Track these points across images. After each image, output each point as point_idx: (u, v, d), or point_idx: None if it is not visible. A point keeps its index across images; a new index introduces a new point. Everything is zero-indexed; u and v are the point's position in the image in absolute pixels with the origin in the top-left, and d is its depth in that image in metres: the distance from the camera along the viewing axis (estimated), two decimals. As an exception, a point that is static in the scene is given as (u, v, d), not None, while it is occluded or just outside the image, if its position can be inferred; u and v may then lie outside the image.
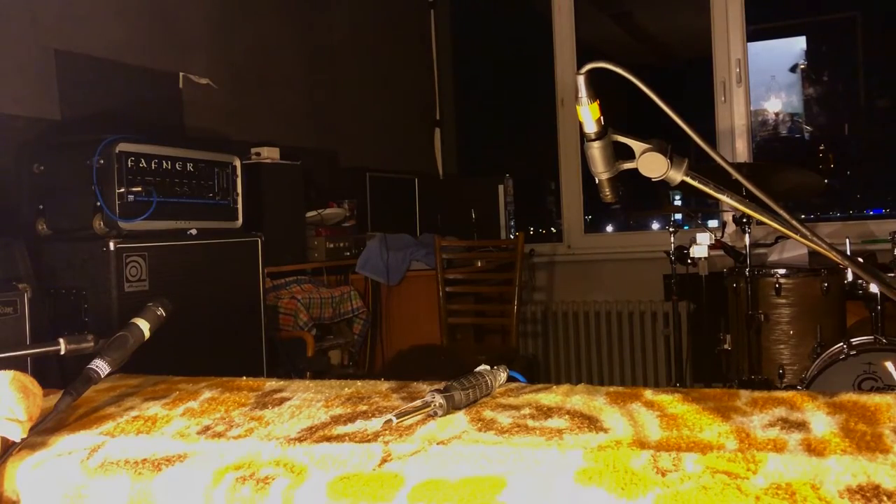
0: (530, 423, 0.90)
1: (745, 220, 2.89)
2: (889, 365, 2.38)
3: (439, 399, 0.94)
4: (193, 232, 2.32)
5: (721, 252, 3.31)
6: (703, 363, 3.82)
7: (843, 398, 0.91)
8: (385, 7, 4.50)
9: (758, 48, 4.44)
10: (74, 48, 2.60)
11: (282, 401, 1.06)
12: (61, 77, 2.54)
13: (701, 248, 3.10)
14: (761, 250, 3.20)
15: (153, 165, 2.23)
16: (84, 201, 2.12)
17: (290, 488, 0.79)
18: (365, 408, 1.01)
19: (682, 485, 0.71)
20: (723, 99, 4.22)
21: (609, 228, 5.02)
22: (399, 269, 3.59)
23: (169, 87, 2.99)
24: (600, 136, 0.98)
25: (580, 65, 0.96)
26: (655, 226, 4.73)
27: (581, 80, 0.95)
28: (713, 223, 4.44)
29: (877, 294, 2.54)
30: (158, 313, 1.26)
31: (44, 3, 2.50)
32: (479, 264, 3.95)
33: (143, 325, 1.20)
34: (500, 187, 4.34)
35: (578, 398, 0.99)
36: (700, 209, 4.40)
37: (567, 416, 0.91)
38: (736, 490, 0.69)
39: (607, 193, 1.03)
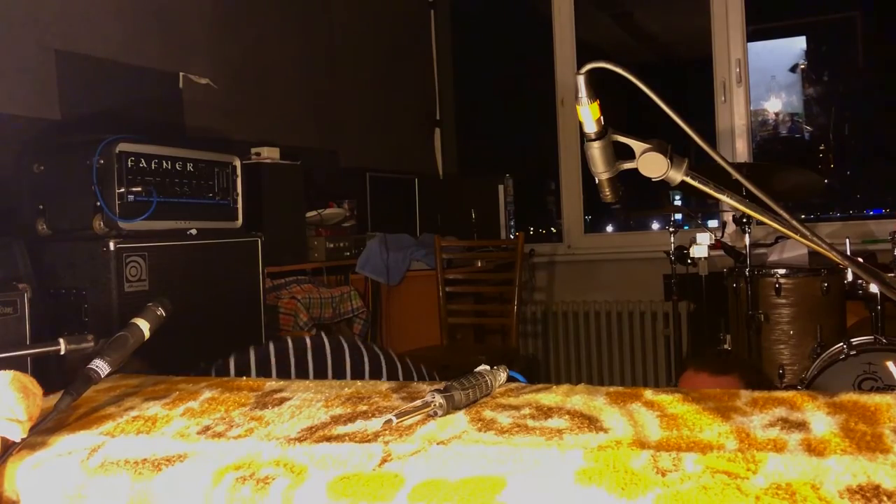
0: (530, 423, 0.90)
1: (745, 220, 2.89)
2: (890, 365, 2.38)
3: (439, 399, 0.94)
4: (193, 232, 2.32)
5: (721, 252, 3.31)
6: (703, 363, 3.81)
7: (843, 398, 0.91)
8: (385, 7, 4.50)
9: (758, 48, 4.44)
10: (74, 48, 2.60)
11: (282, 401, 1.06)
12: (61, 77, 2.54)
13: (701, 248, 3.10)
14: (761, 250, 3.19)
15: (153, 165, 2.23)
16: (84, 201, 2.12)
17: (290, 488, 0.79)
18: (365, 408, 1.01)
19: (682, 485, 0.71)
20: (723, 99, 4.22)
21: (609, 228, 5.02)
22: (399, 269, 3.59)
23: (169, 87, 2.99)
24: (600, 136, 0.98)
25: (580, 65, 0.96)
26: (655, 226, 4.73)
27: (581, 80, 0.95)
28: (713, 223, 4.44)
29: (877, 294, 2.54)
30: (158, 313, 1.26)
31: (44, 3, 2.50)
32: (479, 264, 3.95)
33: (143, 325, 1.20)
34: (500, 187, 4.34)
35: (578, 398, 0.98)
36: (700, 209, 4.40)
37: (567, 416, 0.91)
38: (736, 490, 0.69)
39: (607, 193, 1.03)
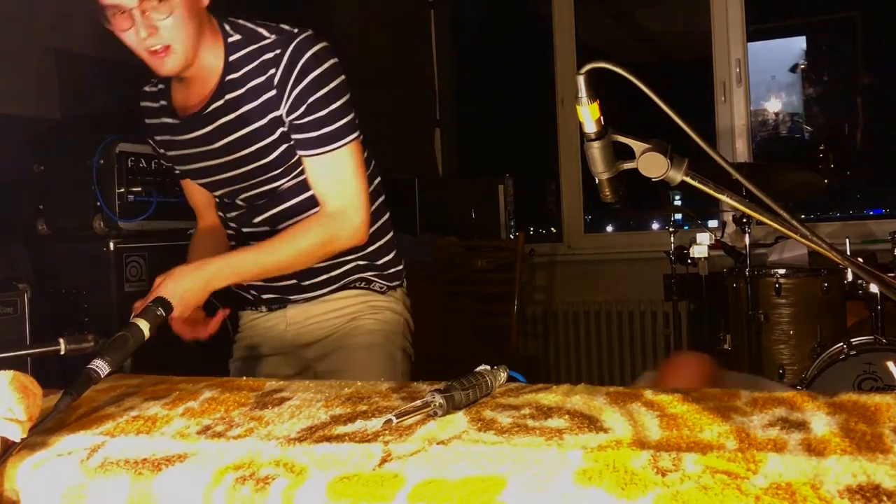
0: (530, 423, 0.90)
1: (745, 220, 2.89)
2: (890, 365, 2.38)
3: (439, 399, 0.94)
4: (193, 232, 2.32)
5: (721, 252, 3.31)
6: (703, 363, 3.81)
7: (843, 398, 0.91)
8: (385, 7, 4.50)
9: (758, 48, 4.44)
10: (74, 48, 2.59)
11: (282, 401, 1.06)
12: (61, 77, 2.54)
13: (701, 248, 3.10)
14: (761, 250, 3.20)
15: (153, 165, 2.23)
16: (84, 201, 2.12)
17: (290, 488, 0.79)
18: (365, 408, 1.01)
19: (682, 485, 0.71)
20: (723, 99, 4.22)
21: (609, 228, 5.01)
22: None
23: (169, 87, 2.99)
24: (600, 136, 0.98)
25: (580, 65, 0.96)
26: (655, 226, 4.73)
27: (581, 80, 0.95)
28: (713, 223, 4.44)
29: (877, 294, 2.54)
30: (158, 313, 1.26)
31: (44, 3, 2.50)
32: (480, 264, 3.95)
33: (143, 325, 1.21)
34: (500, 187, 4.34)
35: (578, 398, 0.99)
36: (700, 209, 4.40)
37: (567, 416, 0.91)
38: (736, 490, 0.69)
39: (607, 193, 1.03)
